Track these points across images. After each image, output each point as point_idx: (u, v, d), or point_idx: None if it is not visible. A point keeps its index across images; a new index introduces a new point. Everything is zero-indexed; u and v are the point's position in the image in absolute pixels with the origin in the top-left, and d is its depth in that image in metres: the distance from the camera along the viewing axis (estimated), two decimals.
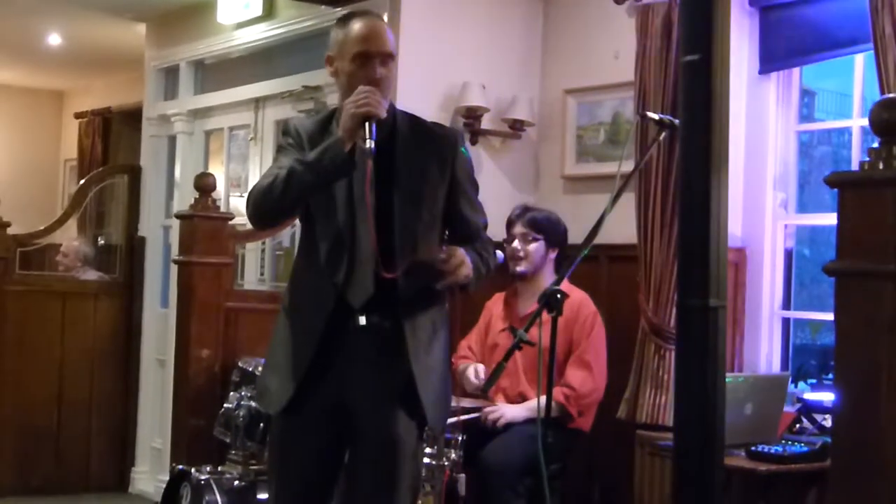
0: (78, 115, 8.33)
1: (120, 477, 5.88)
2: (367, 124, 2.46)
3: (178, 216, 5.02)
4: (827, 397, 3.55)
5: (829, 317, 2.53)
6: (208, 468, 4.06)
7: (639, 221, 4.05)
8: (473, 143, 4.57)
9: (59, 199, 8.50)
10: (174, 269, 5.10)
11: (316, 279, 2.62)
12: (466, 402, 3.67)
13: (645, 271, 4.02)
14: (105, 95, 8.13)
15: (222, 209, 5.05)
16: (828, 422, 3.56)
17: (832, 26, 3.85)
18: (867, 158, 2.42)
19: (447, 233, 2.70)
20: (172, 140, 6.06)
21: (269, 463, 2.92)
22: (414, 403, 2.58)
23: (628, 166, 3.76)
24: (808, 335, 5.47)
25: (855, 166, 2.98)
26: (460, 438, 3.52)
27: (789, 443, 3.42)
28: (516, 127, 4.64)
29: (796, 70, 4.11)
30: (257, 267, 5.53)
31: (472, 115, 4.51)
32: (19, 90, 8.68)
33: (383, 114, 2.50)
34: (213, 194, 4.89)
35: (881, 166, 2.37)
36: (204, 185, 4.84)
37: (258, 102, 5.48)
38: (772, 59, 4.07)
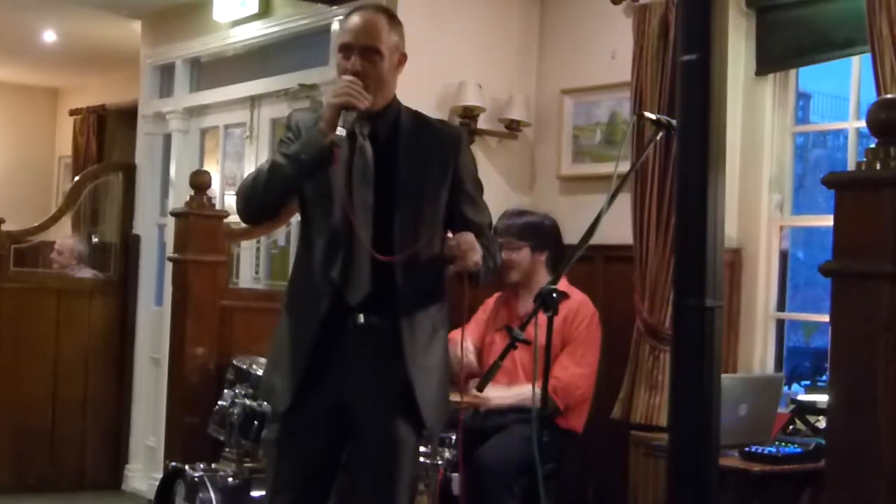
0: (73, 113, 8.32)
1: (114, 475, 5.87)
2: (343, 114, 2.47)
3: (173, 214, 5.01)
4: (821, 399, 3.56)
5: (824, 319, 2.53)
6: (202, 466, 4.05)
7: (635, 222, 4.05)
8: (470, 142, 4.56)
9: (54, 196, 8.48)
10: (169, 266, 5.09)
11: (313, 277, 2.62)
12: (456, 396, 3.65)
13: (641, 272, 4.02)
14: (100, 93, 8.11)
15: (217, 207, 5.04)
16: (821, 423, 3.57)
17: (829, 28, 3.85)
18: (864, 159, 2.42)
19: (449, 231, 2.68)
20: (168, 138, 6.05)
21: (267, 461, 2.91)
22: (412, 405, 2.57)
23: (625, 167, 3.76)
24: (802, 337, 5.49)
25: (851, 169, 2.98)
26: (454, 438, 3.51)
27: (783, 444, 3.42)
28: (513, 127, 4.64)
29: (793, 72, 4.12)
30: (252, 265, 5.52)
31: (469, 115, 4.51)
32: (14, 87, 8.67)
33: (362, 105, 2.50)
34: (209, 192, 4.88)
35: (878, 167, 2.37)
36: (199, 183, 4.83)
37: (254, 100, 5.47)
38: (768, 60, 4.07)
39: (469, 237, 2.55)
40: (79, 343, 5.76)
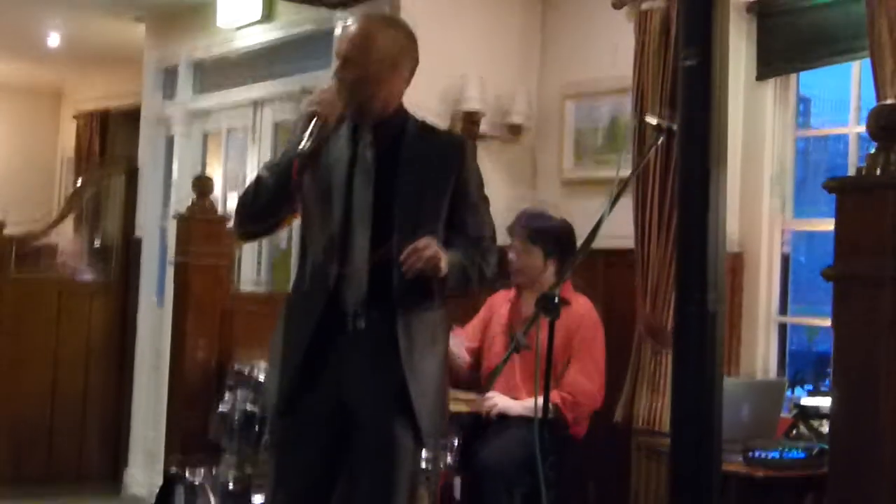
0: (76, 114, 8.33)
1: (114, 476, 5.87)
2: (313, 123, 2.48)
3: (176, 217, 5.02)
4: (824, 403, 3.55)
5: (826, 322, 2.53)
6: (202, 471, 4.05)
7: (636, 224, 4.04)
8: (474, 149, 4.56)
9: (57, 197, 8.49)
10: (170, 269, 5.09)
11: (311, 280, 2.63)
12: (461, 396, 3.65)
13: (642, 275, 4.02)
14: (103, 95, 8.11)
15: (220, 211, 5.05)
16: (825, 427, 3.56)
17: (829, 33, 3.85)
18: (865, 163, 2.42)
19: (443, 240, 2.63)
20: (170, 140, 6.06)
21: (269, 464, 2.92)
22: (409, 410, 2.57)
23: (626, 169, 3.76)
24: (805, 341, 5.48)
25: (851, 173, 2.98)
26: (456, 441, 3.51)
27: (786, 448, 3.41)
28: (514, 130, 4.64)
29: (793, 75, 4.12)
30: (254, 268, 5.53)
31: (471, 119, 4.51)
32: (18, 88, 8.67)
33: (331, 115, 2.51)
34: (211, 196, 4.89)
35: (879, 171, 2.37)
36: (203, 186, 4.84)
37: (256, 104, 5.48)
38: (769, 64, 4.07)
39: (425, 241, 2.49)
40: (79, 345, 5.77)
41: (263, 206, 2.59)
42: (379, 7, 4.39)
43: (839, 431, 2.44)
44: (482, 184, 2.72)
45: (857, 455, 2.35)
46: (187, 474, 4.01)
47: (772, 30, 4.07)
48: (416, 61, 2.69)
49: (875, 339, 2.31)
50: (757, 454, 3.32)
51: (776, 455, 3.33)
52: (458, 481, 3.53)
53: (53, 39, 6.92)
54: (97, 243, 6.56)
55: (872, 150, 2.42)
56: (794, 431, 3.67)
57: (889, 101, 3.05)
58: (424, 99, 4.40)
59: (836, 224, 2.43)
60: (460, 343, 3.76)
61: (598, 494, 4.29)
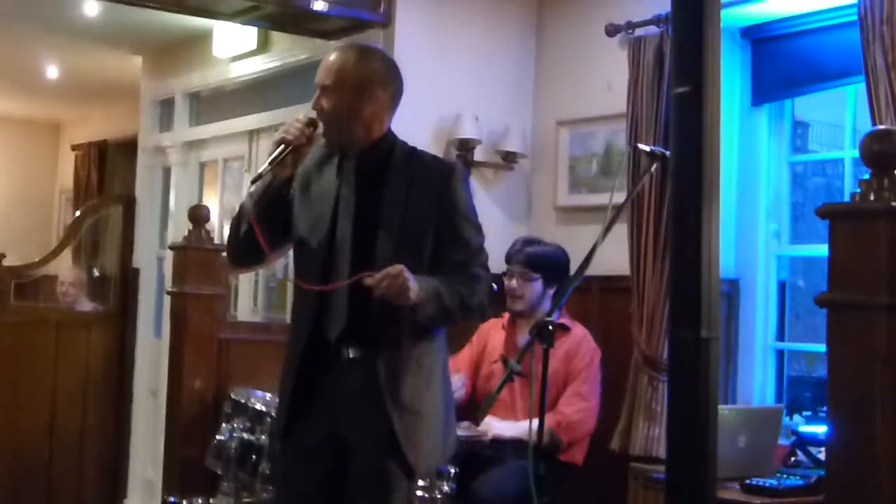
0: (74, 147, 8.35)
1: None
2: (279, 150, 2.51)
3: (171, 247, 5.02)
4: (822, 430, 3.53)
5: (823, 349, 2.52)
6: (200, 500, 4.02)
7: (631, 252, 4.04)
8: (467, 176, 4.56)
9: (55, 229, 8.50)
10: (167, 299, 5.09)
11: (298, 309, 2.66)
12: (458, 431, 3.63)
13: (637, 302, 4.01)
14: (101, 127, 8.15)
15: (216, 240, 5.05)
16: (823, 455, 3.54)
17: (824, 58, 3.87)
18: (858, 190, 2.42)
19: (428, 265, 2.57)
20: (167, 171, 6.07)
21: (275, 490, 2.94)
22: (398, 443, 2.53)
23: (620, 197, 3.76)
24: (804, 367, 5.45)
25: (848, 198, 2.98)
26: (452, 471, 3.49)
27: (785, 476, 3.39)
28: (509, 158, 4.65)
29: (788, 102, 4.13)
30: (251, 298, 5.52)
31: (465, 147, 4.52)
32: (16, 121, 8.71)
33: (298, 141, 2.52)
34: (207, 225, 4.89)
35: (872, 197, 2.37)
36: (198, 216, 4.84)
37: (252, 134, 5.49)
38: (764, 90, 4.09)
39: (396, 268, 2.43)
40: (77, 375, 5.75)
41: (245, 239, 2.60)
42: (373, 38, 4.41)
43: (835, 458, 2.42)
44: (473, 210, 2.66)
45: (854, 482, 2.34)
46: (184, 503, 3.98)
47: (766, 56, 4.09)
48: (396, 87, 2.65)
49: (869, 367, 2.30)
50: (754, 482, 3.31)
51: (774, 483, 3.31)
52: None
53: (52, 72, 6.95)
54: (96, 273, 6.56)
55: (865, 177, 2.42)
56: (793, 459, 3.66)
57: (882, 127, 3.05)
58: (419, 131, 4.44)
59: (830, 251, 2.43)
60: (461, 385, 3.74)
61: None
